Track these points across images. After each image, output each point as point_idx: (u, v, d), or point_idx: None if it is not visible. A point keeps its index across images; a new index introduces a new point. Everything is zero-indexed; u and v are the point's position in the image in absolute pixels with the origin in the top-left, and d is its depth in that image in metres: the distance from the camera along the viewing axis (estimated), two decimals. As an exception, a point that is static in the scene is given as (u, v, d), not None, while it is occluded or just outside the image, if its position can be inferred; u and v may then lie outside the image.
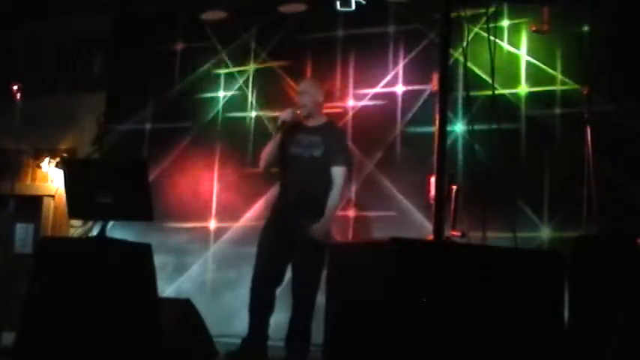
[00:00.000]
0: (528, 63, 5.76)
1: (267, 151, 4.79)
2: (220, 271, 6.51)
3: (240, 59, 6.85)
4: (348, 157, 4.80)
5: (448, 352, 2.44)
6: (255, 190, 6.34)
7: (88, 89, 7.60)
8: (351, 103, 6.37)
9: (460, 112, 5.72)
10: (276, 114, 6.32)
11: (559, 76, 5.62)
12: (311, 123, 4.80)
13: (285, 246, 4.58)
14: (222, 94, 6.89)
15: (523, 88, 5.74)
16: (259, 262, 4.62)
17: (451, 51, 3.08)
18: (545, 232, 5.45)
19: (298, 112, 4.79)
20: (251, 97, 6.77)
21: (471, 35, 4.91)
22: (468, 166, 5.50)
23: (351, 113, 6.32)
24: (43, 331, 3.90)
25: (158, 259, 4.17)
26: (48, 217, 7.45)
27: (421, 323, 2.43)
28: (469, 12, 4.32)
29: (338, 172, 4.65)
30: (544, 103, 5.65)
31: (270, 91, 6.69)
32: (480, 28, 4.85)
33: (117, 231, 5.42)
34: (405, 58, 6.24)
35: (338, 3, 6.36)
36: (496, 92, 3.73)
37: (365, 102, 6.33)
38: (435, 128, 2.83)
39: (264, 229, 4.73)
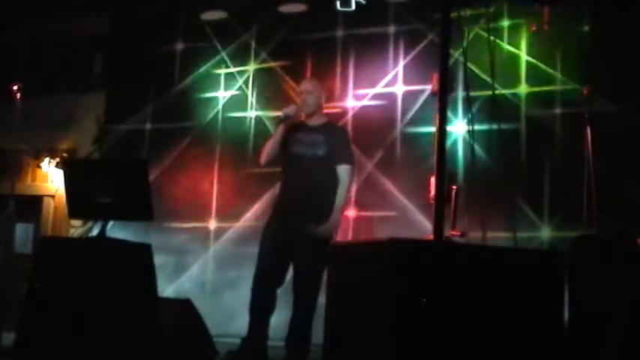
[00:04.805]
0: (528, 63, 5.76)
1: (269, 146, 4.77)
2: (220, 271, 6.52)
3: (240, 59, 6.85)
4: (352, 154, 4.80)
5: (448, 351, 2.44)
6: (255, 190, 6.34)
7: (88, 89, 7.62)
8: (351, 103, 6.38)
9: (460, 112, 5.72)
10: (277, 114, 6.36)
11: (559, 76, 5.62)
12: (312, 122, 4.79)
13: (287, 246, 4.57)
14: (222, 94, 6.89)
15: (523, 88, 5.74)
16: (261, 261, 4.60)
17: (451, 51, 3.07)
18: (545, 232, 5.45)
19: (302, 111, 4.77)
20: (251, 97, 6.77)
21: (471, 35, 4.91)
22: (467, 166, 5.50)
23: (351, 113, 6.33)
24: (43, 331, 3.90)
25: (158, 259, 4.16)
26: (48, 217, 7.46)
27: (421, 323, 2.43)
28: (469, 12, 4.33)
29: (344, 171, 4.64)
30: (544, 103, 5.66)
31: (270, 91, 6.69)
32: (480, 28, 4.85)
33: (117, 231, 5.42)
34: (405, 58, 6.24)
35: (338, 3, 6.37)
36: (496, 92, 3.73)
37: (365, 102, 6.33)
38: (435, 128, 2.83)
39: (265, 229, 4.72)
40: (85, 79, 7.73)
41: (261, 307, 4.55)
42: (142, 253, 4.04)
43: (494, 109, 3.86)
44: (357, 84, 6.38)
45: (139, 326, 3.92)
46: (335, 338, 2.76)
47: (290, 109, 4.73)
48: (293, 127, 4.75)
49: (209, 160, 6.76)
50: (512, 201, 5.10)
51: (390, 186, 6.01)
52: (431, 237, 2.81)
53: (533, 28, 5.43)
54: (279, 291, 4.62)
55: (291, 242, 4.55)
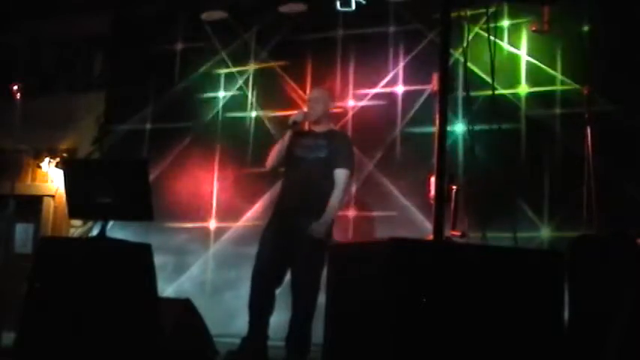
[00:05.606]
0: (528, 63, 5.76)
1: (276, 151, 4.82)
2: (220, 271, 6.51)
3: (240, 59, 6.85)
4: (352, 160, 4.81)
5: (448, 352, 2.44)
6: (255, 190, 6.34)
7: (88, 89, 7.62)
8: (351, 103, 6.38)
9: (460, 112, 5.72)
10: (277, 114, 6.37)
11: (559, 76, 5.62)
12: (318, 129, 4.86)
13: (286, 246, 4.58)
14: (222, 94, 6.89)
15: (523, 88, 5.74)
16: (259, 261, 4.62)
17: (451, 51, 3.07)
18: (545, 232, 5.45)
19: (309, 118, 4.82)
20: (251, 97, 6.77)
21: (471, 35, 4.90)
22: (467, 166, 5.50)
23: (351, 113, 6.33)
24: (43, 331, 3.90)
25: (158, 259, 4.17)
26: (48, 217, 7.46)
27: (421, 323, 2.43)
28: (469, 12, 4.33)
29: (341, 174, 4.68)
30: (544, 103, 5.65)
31: (270, 91, 6.69)
32: (480, 28, 4.85)
33: (117, 231, 5.42)
34: (405, 58, 6.24)
35: (338, 3, 6.37)
36: (496, 92, 3.73)
37: (365, 102, 6.33)
38: (435, 128, 2.83)
39: (265, 229, 4.74)
40: (85, 79, 7.73)
41: (260, 307, 4.56)
42: (142, 253, 4.04)
43: (494, 109, 3.86)
44: (357, 84, 6.38)
45: (139, 326, 3.92)
46: (335, 338, 2.76)
47: (298, 116, 4.79)
48: (298, 133, 4.82)
49: (209, 160, 6.75)
50: (512, 201, 5.10)
51: (390, 186, 6.01)
52: (431, 237, 2.80)
53: (533, 28, 5.42)
54: (278, 291, 4.63)
55: (291, 243, 4.56)
